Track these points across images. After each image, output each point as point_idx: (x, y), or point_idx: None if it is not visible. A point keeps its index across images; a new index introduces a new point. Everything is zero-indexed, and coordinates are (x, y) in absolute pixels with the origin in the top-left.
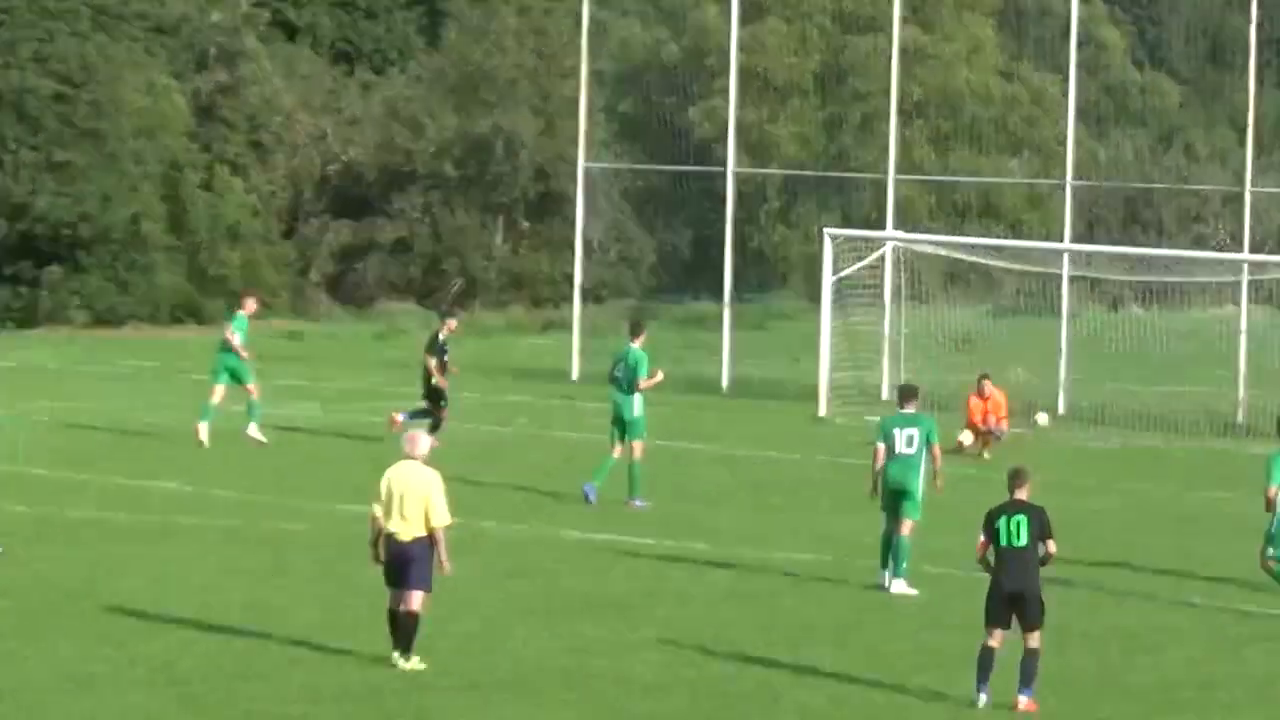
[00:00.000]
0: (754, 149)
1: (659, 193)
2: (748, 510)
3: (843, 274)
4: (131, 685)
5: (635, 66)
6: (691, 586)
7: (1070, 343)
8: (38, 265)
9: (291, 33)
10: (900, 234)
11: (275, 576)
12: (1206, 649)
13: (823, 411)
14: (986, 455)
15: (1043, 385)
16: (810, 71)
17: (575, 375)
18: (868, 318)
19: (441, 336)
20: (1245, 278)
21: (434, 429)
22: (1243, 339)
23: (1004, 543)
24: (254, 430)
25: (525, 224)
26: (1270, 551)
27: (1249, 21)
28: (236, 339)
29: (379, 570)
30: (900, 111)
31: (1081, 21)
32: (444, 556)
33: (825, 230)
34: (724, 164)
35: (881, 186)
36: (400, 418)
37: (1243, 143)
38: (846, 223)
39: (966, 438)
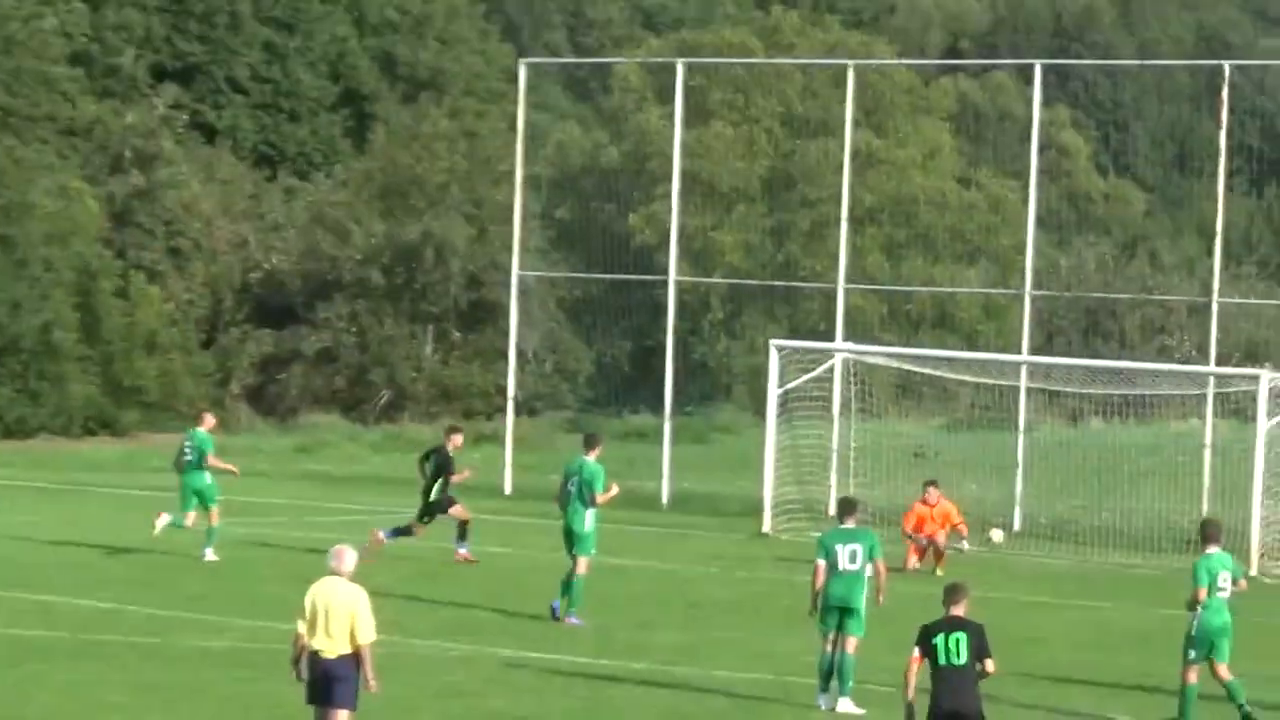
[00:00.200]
0: (697, 257)
1: (597, 301)
2: (687, 628)
3: (789, 386)
4: None
5: (572, 171)
6: (629, 707)
7: (1027, 457)
8: None
9: (211, 135)
10: (850, 345)
11: (194, 695)
12: None
13: (766, 528)
14: (939, 572)
15: (998, 501)
16: (758, 176)
17: (508, 490)
18: (815, 431)
19: (451, 451)
20: (1211, 390)
21: (403, 533)
22: (1207, 454)
23: (943, 661)
24: (210, 553)
25: (456, 334)
26: (1191, 655)
27: (1218, 127)
28: (190, 454)
29: (300, 688)
30: (851, 218)
31: (1043, 126)
32: (370, 675)
33: (771, 341)
34: (665, 272)
35: (831, 296)
36: (382, 535)
37: (1210, 251)
38: (794, 333)
39: (911, 558)
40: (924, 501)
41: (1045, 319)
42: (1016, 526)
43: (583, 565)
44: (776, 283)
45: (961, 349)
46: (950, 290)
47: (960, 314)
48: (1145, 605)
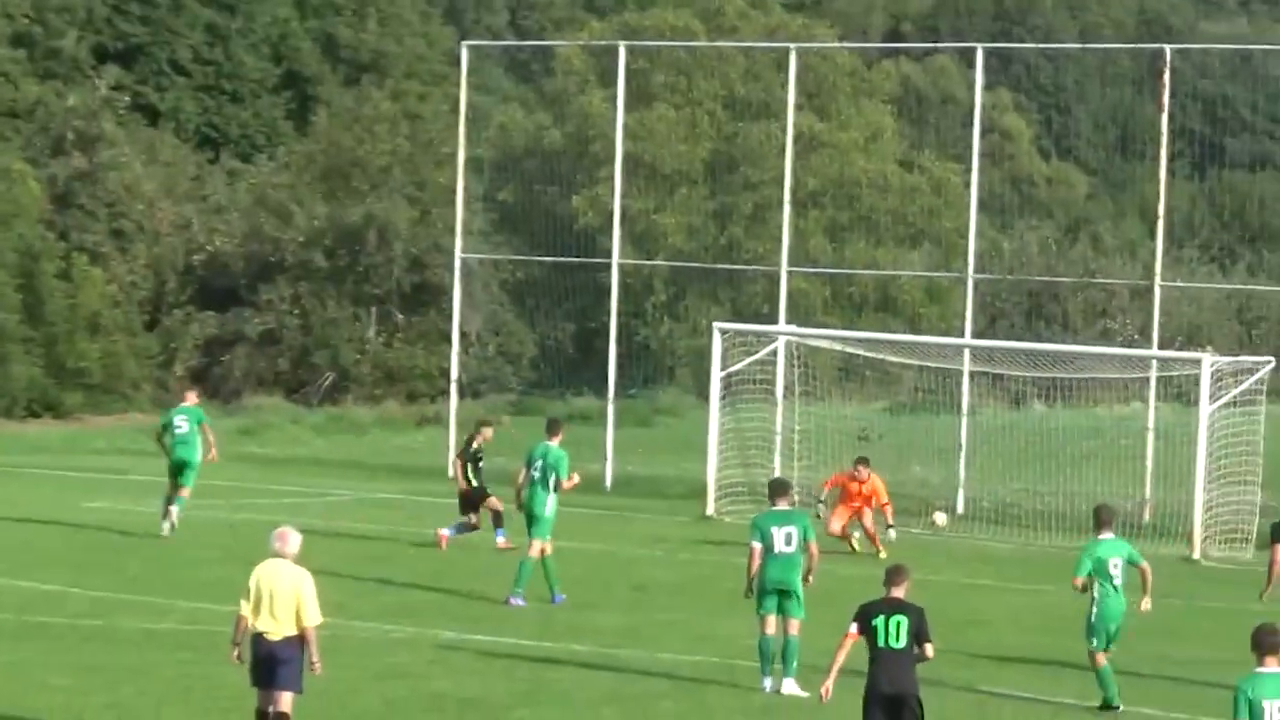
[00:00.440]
0: (640, 239)
1: (540, 284)
2: (631, 611)
3: (732, 369)
4: None
5: (515, 153)
6: (572, 689)
7: (970, 440)
8: None
9: (153, 117)
10: (793, 328)
11: (137, 677)
12: None
13: (710, 510)
14: (883, 555)
15: (941, 484)
16: (700, 159)
17: (451, 472)
18: (758, 414)
19: (475, 445)
20: (1154, 374)
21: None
22: (1150, 437)
23: (882, 643)
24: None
25: (399, 316)
26: (1094, 643)
27: (1159, 110)
28: (185, 426)
29: (243, 670)
30: (794, 201)
31: (985, 109)
32: (315, 656)
33: (714, 324)
34: (608, 254)
35: (774, 279)
36: (446, 533)
37: (1152, 235)
38: (737, 316)
39: (837, 525)
40: (853, 477)
41: (988, 302)
42: (959, 509)
43: (535, 549)
44: (719, 265)
45: (904, 332)
46: (893, 273)
47: (903, 297)
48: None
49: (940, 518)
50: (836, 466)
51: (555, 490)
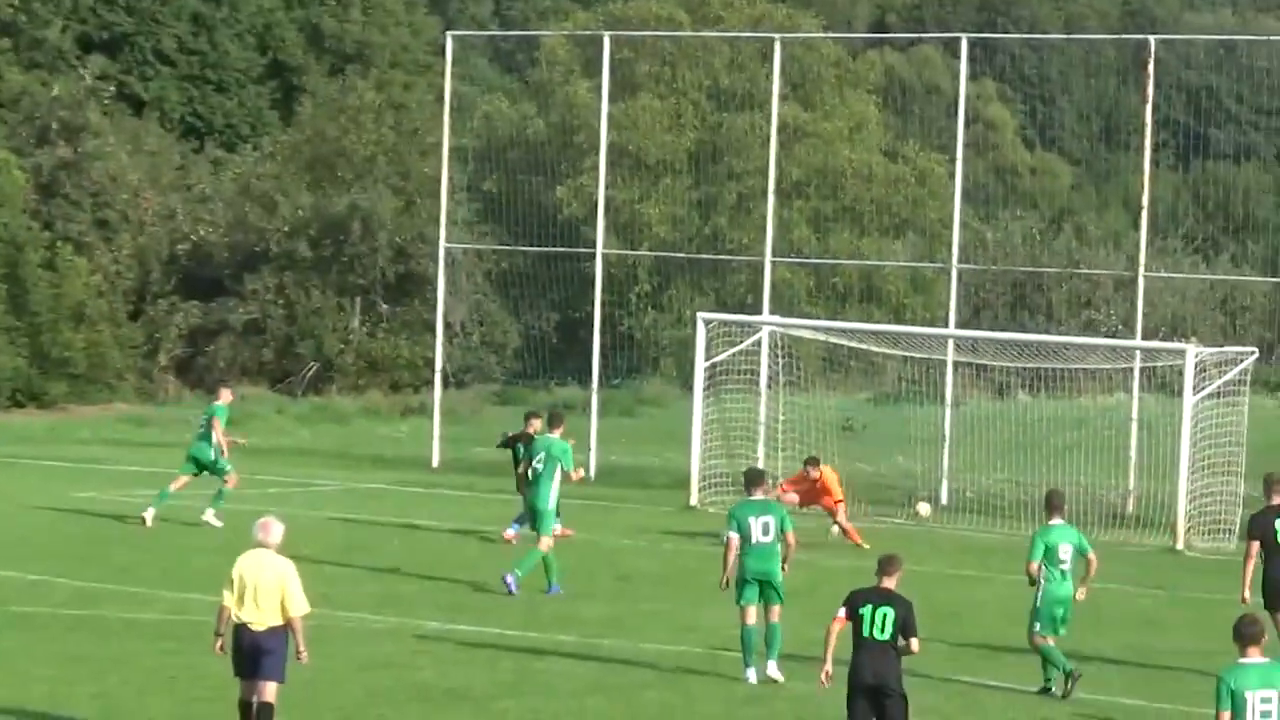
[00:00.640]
0: (624, 229)
1: (524, 274)
2: (615, 601)
3: (716, 359)
4: None
5: (500, 143)
6: (556, 679)
7: (954, 431)
8: None
9: (138, 106)
10: (777, 318)
11: (122, 667)
12: None
13: (694, 501)
14: (866, 545)
15: (925, 474)
16: (684, 150)
17: (436, 463)
18: (742, 405)
19: (535, 429)
20: (1138, 365)
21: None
22: (1134, 428)
23: (866, 633)
24: (211, 515)
25: (384, 306)
26: (1037, 627)
27: (1144, 101)
28: (218, 428)
29: (226, 660)
30: (778, 191)
31: (970, 100)
32: (302, 646)
33: (699, 314)
34: (592, 244)
35: (758, 269)
36: (511, 533)
37: (1136, 226)
38: (721, 306)
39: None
40: (805, 477)
41: (972, 293)
42: (943, 500)
43: (545, 543)
44: (703, 256)
45: (888, 322)
46: (877, 264)
47: (887, 287)
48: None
49: (924, 508)
50: (820, 456)
51: (564, 482)
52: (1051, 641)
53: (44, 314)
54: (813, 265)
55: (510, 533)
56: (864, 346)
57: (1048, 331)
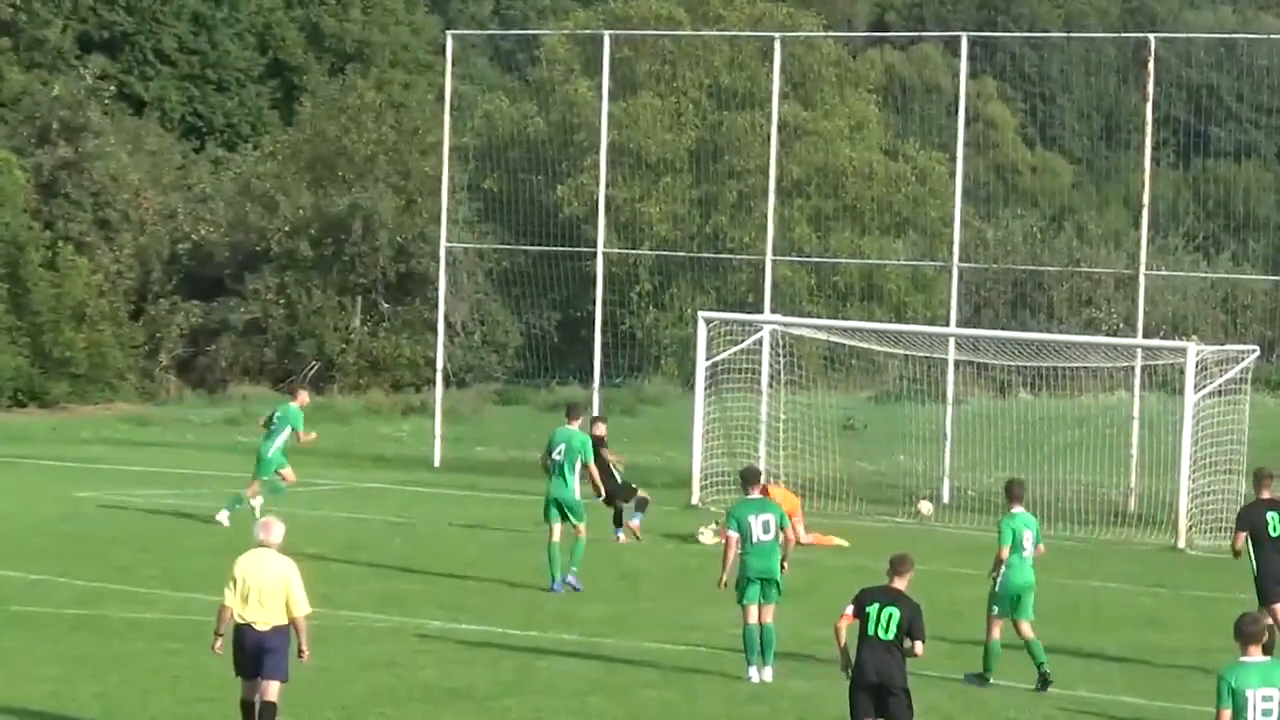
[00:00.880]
0: (625, 228)
1: (525, 273)
2: (617, 599)
3: (717, 358)
4: None
5: (500, 142)
6: (558, 678)
7: (955, 429)
8: None
9: (138, 106)
10: (778, 317)
11: (124, 666)
12: None
13: (695, 499)
14: (844, 542)
15: (926, 473)
16: (685, 148)
17: (437, 462)
18: (743, 403)
19: (600, 432)
20: (1139, 363)
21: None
22: (1135, 426)
23: (870, 632)
24: (224, 516)
25: (385, 305)
26: (995, 610)
27: (1144, 99)
28: (286, 432)
29: (225, 660)
30: (779, 190)
31: (970, 98)
32: (305, 645)
33: (700, 313)
34: (593, 243)
35: (759, 267)
36: (635, 522)
37: (1137, 224)
38: (722, 305)
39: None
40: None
41: (973, 291)
42: (945, 499)
43: (583, 530)
44: (704, 255)
45: (889, 321)
46: (878, 262)
47: (888, 286)
48: (1073, 577)
49: (925, 507)
50: (822, 455)
51: (583, 475)
52: (1000, 629)
53: (45, 314)
54: (813, 264)
55: (635, 522)
56: (865, 345)
57: (1049, 330)
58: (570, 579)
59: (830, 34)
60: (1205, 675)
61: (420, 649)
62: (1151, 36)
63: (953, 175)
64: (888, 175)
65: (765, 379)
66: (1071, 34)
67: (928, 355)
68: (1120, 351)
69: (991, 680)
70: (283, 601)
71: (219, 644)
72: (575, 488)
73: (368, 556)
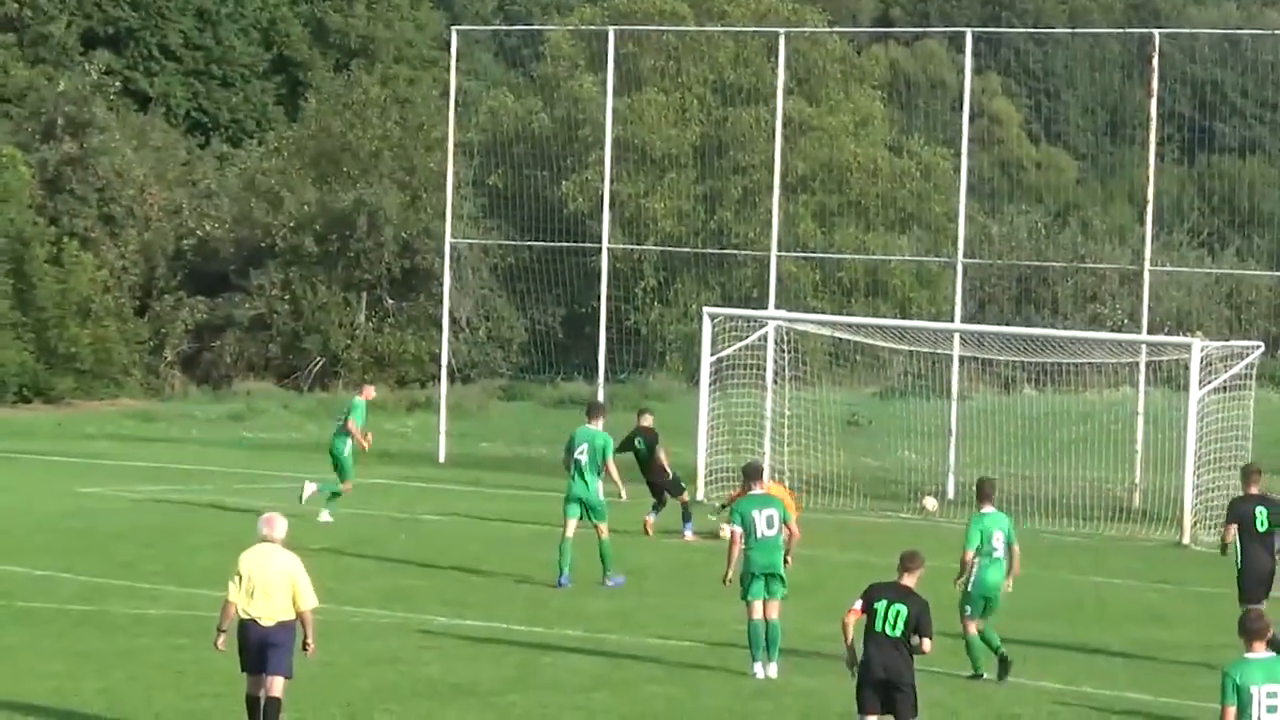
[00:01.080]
0: (630, 224)
1: (530, 269)
2: (621, 595)
3: (722, 354)
4: None
5: (505, 138)
6: (562, 673)
7: (960, 425)
8: None
9: (143, 102)
10: (783, 313)
11: (128, 662)
12: None
13: (700, 495)
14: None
15: (931, 469)
16: (689, 144)
17: (442, 458)
18: (748, 399)
19: (649, 423)
20: (1143, 359)
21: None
22: (1140, 422)
23: (878, 628)
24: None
25: (389, 301)
26: (968, 611)
27: (1149, 95)
28: (352, 425)
29: (229, 655)
30: (783, 186)
31: (975, 94)
32: (310, 639)
33: (704, 309)
34: (598, 239)
35: (763, 263)
36: (689, 533)
37: (1142, 220)
38: (726, 301)
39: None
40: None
41: (977, 287)
42: (949, 494)
43: (604, 530)
44: (709, 250)
45: (894, 317)
46: (882, 258)
47: (893, 282)
48: (1077, 572)
49: (930, 503)
50: (826, 451)
51: (603, 474)
52: (979, 626)
53: (50, 309)
54: (818, 260)
55: (688, 535)
56: (870, 341)
57: (1053, 326)
58: (609, 582)
59: (835, 29)
60: (1210, 671)
61: (425, 645)
62: (1156, 32)
63: (957, 171)
64: (892, 171)
65: (770, 375)
66: (1076, 30)
67: (932, 351)
68: (1125, 347)
69: (984, 675)
70: (288, 597)
71: (221, 640)
72: (599, 488)
73: (373, 551)
